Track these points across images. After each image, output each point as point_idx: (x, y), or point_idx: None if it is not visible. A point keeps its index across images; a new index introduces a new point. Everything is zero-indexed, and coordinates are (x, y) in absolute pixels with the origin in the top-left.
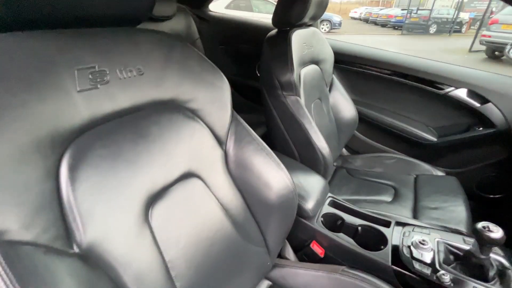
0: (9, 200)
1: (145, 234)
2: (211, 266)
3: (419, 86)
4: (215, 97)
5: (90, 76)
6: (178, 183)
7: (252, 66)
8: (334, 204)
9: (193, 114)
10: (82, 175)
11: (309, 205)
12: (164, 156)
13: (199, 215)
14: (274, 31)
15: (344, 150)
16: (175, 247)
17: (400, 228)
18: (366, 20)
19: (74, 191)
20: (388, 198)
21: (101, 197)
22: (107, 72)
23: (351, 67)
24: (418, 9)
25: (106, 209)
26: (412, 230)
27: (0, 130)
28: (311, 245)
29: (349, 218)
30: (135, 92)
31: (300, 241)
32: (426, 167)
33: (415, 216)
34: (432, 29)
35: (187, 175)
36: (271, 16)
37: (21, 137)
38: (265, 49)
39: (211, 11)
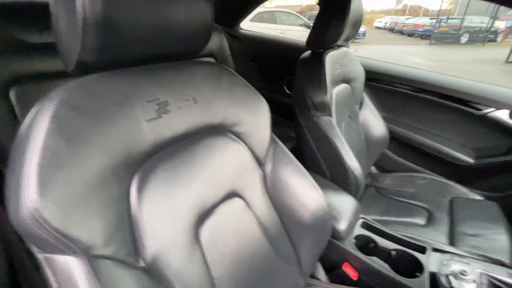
0: (96, 217)
1: (196, 251)
2: (251, 284)
3: (454, 105)
4: (257, 121)
5: (156, 107)
6: (223, 203)
7: (280, 82)
8: (366, 225)
9: (236, 137)
10: (147, 196)
11: (342, 226)
12: (212, 177)
13: (241, 233)
14: (307, 53)
15: (372, 167)
16: (220, 265)
17: (437, 255)
18: (391, 30)
19: (141, 212)
20: (421, 221)
21: (161, 216)
22: (169, 103)
23: (382, 85)
24: (448, 18)
25: (166, 227)
26: (451, 259)
27: (87, 156)
28: (343, 267)
29: (382, 241)
30: (189, 119)
31: (332, 262)
32: (462, 190)
33: (451, 243)
34: (464, 38)
35: (230, 195)
36: (294, 27)
37: (103, 162)
38: (299, 70)
39: (242, 29)
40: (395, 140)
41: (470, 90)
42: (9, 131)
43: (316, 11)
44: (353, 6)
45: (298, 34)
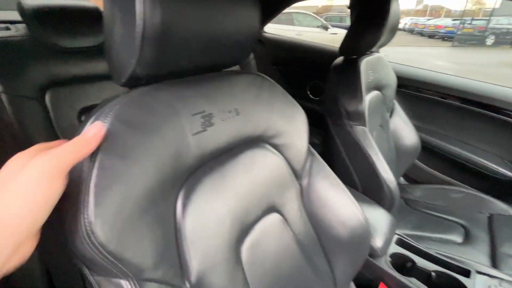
0: (146, 238)
1: (238, 271)
2: None
3: (492, 114)
4: (295, 133)
5: (201, 120)
6: (262, 219)
7: (303, 87)
8: (402, 243)
9: (275, 149)
10: (192, 213)
11: (378, 243)
12: (252, 191)
13: (280, 251)
14: (340, 59)
15: (401, 178)
16: (260, 285)
17: (482, 279)
18: (411, 31)
19: (186, 230)
20: (457, 238)
21: (206, 234)
22: (213, 115)
23: (414, 92)
24: (473, 19)
25: (210, 246)
26: (499, 285)
27: (140, 173)
28: (379, 287)
29: (420, 261)
30: (232, 131)
31: (366, 280)
32: (501, 206)
33: (494, 264)
34: (490, 40)
35: (269, 210)
36: (311, 29)
37: (153, 178)
38: (331, 78)
39: (265, 32)
40: (426, 150)
41: (508, 98)
42: (44, 134)
43: (332, 12)
44: (392, 8)
45: (315, 36)
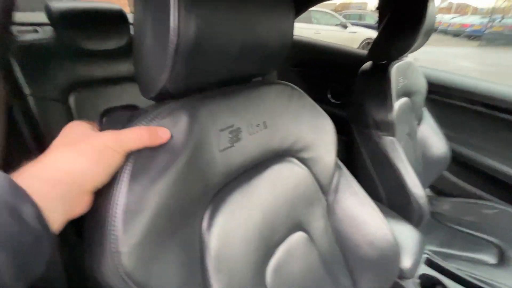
0: (172, 264)
1: None
2: None
3: None
4: (323, 146)
5: (229, 136)
6: (288, 238)
7: (323, 90)
8: (431, 263)
9: (302, 163)
10: (216, 235)
11: (406, 264)
12: (277, 209)
13: (306, 272)
14: (369, 64)
15: (427, 189)
16: None
17: None
18: (434, 30)
19: (211, 252)
20: (490, 259)
21: (230, 257)
22: (241, 130)
23: (446, 99)
24: (503, 17)
25: (234, 270)
26: None
27: (170, 195)
28: None
29: (451, 284)
30: (259, 145)
31: None
32: None
33: None
34: None
35: (294, 228)
36: (329, 27)
37: (182, 199)
38: (359, 84)
39: None
40: (457, 160)
41: None
42: None
43: (351, 10)
44: (428, 10)
45: (334, 34)
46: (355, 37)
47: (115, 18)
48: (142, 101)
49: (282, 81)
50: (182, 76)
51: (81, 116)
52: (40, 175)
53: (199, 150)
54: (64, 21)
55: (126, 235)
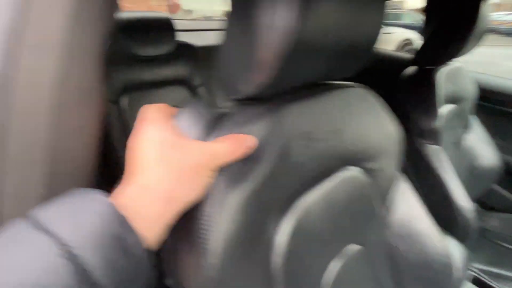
0: (246, 282)
1: None
2: None
3: None
4: (389, 155)
5: (304, 142)
6: (342, 251)
7: None
8: (478, 282)
9: (368, 173)
10: (287, 251)
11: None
12: (342, 223)
13: (356, 285)
14: (413, 68)
15: (474, 203)
16: None
17: None
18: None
19: (281, 268)
20: None
21: (298, 276)
22: (316, 136)
23: (498, 106)
24: None
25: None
26: None
27: (255, 209)
28: None
29: None
30: (332, 153)
31: None
32: None
33: None
34: None
35: (350, 240)
36: None
37: (263, 206)
38: (402, 89)
39: None
40: (509, 173)
41: None
42: (118, 134)
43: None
44: (481, 11)
45: None
46: (392, 38)
47: (164, 26)
48: (183, 104)
49: (359, 84)
50: (278, 77)
51: (133, 117)
52: (137, 197)
53: (282, 158)
54: (120, 29)
55: (217, 248)
